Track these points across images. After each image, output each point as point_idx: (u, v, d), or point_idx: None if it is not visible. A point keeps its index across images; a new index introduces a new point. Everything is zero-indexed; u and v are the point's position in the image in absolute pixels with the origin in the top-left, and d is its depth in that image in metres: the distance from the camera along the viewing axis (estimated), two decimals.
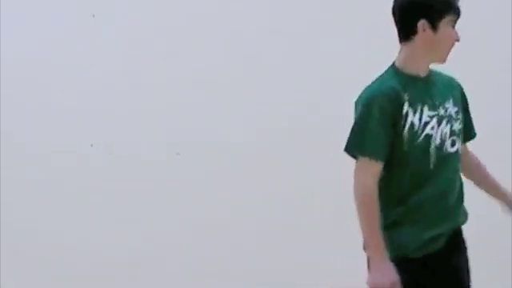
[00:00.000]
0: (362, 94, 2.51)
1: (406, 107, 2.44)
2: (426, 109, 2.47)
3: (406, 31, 2.49)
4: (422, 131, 2.46)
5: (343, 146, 2.45)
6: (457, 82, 2.67)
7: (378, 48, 4.40)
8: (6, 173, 4.48)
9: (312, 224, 4.37)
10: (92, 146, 4.60)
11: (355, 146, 2.46)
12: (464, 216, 2.77)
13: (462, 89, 2.67)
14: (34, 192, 4.50)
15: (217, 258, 4.49)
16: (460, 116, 2.58)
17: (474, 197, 4.38)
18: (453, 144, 2.52)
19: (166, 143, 4.54)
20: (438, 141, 2.48)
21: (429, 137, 2.46)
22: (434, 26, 2.46)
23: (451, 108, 2.55)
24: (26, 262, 4.33)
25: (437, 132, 2.48)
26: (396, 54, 2.53)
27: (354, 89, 2.55)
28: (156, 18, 4.55)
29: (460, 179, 2.61)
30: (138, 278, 4.53)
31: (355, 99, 2.49)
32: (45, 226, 4.40)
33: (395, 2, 2.55)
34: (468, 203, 4.33)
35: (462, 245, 2.80)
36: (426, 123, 2.47)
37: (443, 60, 2.53)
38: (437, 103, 2.50)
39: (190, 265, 4.53)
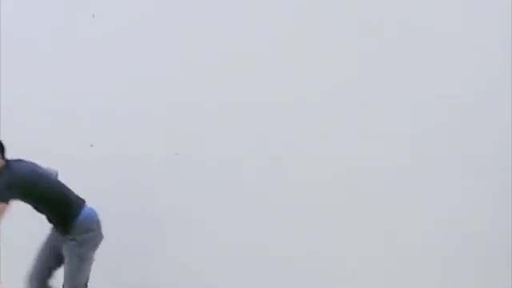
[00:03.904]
0: None
1: None
2: None
3: None
4: None
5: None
6: None
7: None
8: None
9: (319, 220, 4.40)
10: (92, 146, 4.60)
11: None
12: None
13: None
14: None
15: (215, 257, 4.50)
16: None
17: (473, 197, 4.38)
18: None
19: (165, 143, 4.55)
20: None
21: None
22: None
23: None
24: (24, 263, 4.33)
25: None
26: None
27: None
28: (156, 18, 4.56)
29: None
30: (140, 273, 4.54)
31: None
32: (44, 226, 4.40)
33: None
34: (468, 203, 4.31)
35: None
36: None
37: None
38: None
39: (188, 264, 4.54)
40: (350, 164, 4.34)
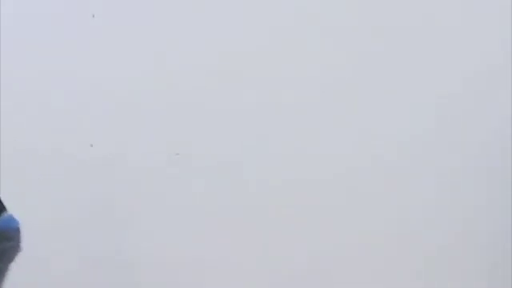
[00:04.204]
0: None
1: None
2: None
3: None
4: None
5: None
6: None
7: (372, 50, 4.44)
8: (6, 172, 4.48)
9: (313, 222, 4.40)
10: (92, 146, 4.60)
11: None
12: None
13: None
14: (33, 191, 4.51)
15: (215, 257, 4.50)
16: None
17: (474, 196, 4.39)
18: None
19: (165, 143, 4.55)
20: None
21: None
22: None
23: None
24: (24, 264, 4.33)
25: None
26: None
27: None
28: (156, 18, 4.55)
29: None
30: (139, 278, 4.54)
31: None
32: (44, 227, 4.41)
33: None
34: (469, 204, 4.33)
35: None
36: None
37: None
38: None
39: (188, 266, 4.54)
40: (350, 164, 4.35)
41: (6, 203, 4.42)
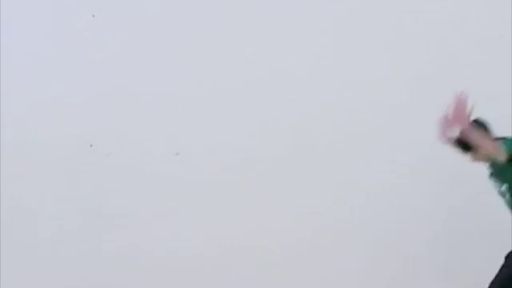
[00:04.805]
0: None
1: None
2: None
3: None
4: None
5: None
6: None
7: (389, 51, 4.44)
8: (6, 172, 4.48)
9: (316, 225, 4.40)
10: (92, 146, 4.60)
11: None
12: None
13: None
14: (33, 192, 4.51)
15: (216, 257, 4.49)
16: None
17: (474, 196, 4.36)
18: None
19: (165, 143, 4.54)
20: None
21: None
22: None
23: None
24: (25, 264, 4.34)
25: None
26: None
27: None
28: (156, 18, 4.55)
29: None
30: (136, 281, 4.53)
31: None
32: (44, 227, 4.41)
33: None
34: (468, 202, 4.29)
35: None
36: None
37: None
38: None
39: (188, 266, 4.53)
40: (351, 165, 4.36)
41: (6, 203, 4.42)
